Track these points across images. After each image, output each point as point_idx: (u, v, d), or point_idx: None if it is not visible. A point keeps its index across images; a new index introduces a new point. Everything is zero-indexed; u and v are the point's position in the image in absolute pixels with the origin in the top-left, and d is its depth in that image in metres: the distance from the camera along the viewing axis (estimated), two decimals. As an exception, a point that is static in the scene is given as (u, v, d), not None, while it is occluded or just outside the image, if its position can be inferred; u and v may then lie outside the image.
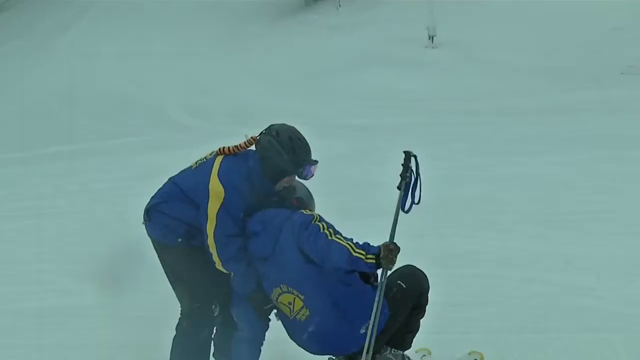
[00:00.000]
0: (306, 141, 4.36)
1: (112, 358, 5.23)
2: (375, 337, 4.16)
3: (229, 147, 4.39)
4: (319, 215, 4.24)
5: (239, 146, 4.37)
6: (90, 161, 12.86)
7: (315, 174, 4.38)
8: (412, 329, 4.45)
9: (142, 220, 4.54)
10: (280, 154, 4.27)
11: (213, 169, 4.31)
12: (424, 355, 4.81)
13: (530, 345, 4.95)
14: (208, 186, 4.25)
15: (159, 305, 5.84)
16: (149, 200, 4.54)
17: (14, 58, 21.96)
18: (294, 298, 4.24)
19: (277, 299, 4.30)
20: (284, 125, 4.39)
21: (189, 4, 23.94)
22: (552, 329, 5.30)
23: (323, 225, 4.14)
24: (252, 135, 4.42)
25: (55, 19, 23.88)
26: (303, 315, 4.25)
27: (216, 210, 4.20)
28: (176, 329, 4.58)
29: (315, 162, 4.36)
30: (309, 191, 4.52)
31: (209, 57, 21.24)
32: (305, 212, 4.28)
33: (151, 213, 4.46)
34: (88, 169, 12.08)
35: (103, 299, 5.91)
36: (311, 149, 4.37)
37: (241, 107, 17.82)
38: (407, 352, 4.53)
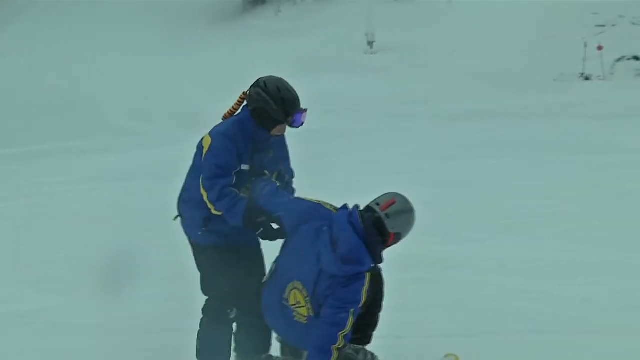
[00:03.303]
0: (294, 91, 4.44)
1: (49, 366, 5.16)
2: None
3: (227, 112, 4.54)
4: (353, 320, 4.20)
5: (233, 107, 4.53)
6: (27, 165, 12.62)
7: (305, 121, 4.44)
8: (370, 323, 4.49)
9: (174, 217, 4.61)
10: (269, 104, 4.35)
11: (207, 133, 4.47)
12: None
13: (463, 348, 5.00)
14: (203, 144, 4.40)
15: (96, 312, 5.82)
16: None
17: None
18: (305, 307, 4.26)
19: (289, 292, 4.30)
20: (271, 76, 4.48)
21: (128, 6, 23.66)
22: (486, 331, 5.38)
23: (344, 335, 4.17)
24: (244, 90, 4.52)
25: (-10, 19, 23.36)
26: (301, 318, 4.28)
27: (204, 159, 4.34)
28: (199, 323, 4.70)
29: (304, 110, 4.43)
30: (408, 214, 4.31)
31: (151, 60, 21.06)
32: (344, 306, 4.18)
33: (179, 206, 4.57)
34: (25, 173, 11.86)
35: (40, 305, 5.83)
36: (299, 98, 4.44)
37: (184, 111, 17.72)
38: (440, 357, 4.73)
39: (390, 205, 4.22)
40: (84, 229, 8.31)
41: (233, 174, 4.34)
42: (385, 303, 4.52)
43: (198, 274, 4.63)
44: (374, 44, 21.12)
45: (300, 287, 4.26)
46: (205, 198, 4.31)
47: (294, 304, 4.29)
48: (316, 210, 4.33)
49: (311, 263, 4.22)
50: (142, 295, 5.86)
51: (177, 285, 5.75)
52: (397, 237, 4.26)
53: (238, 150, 4.36)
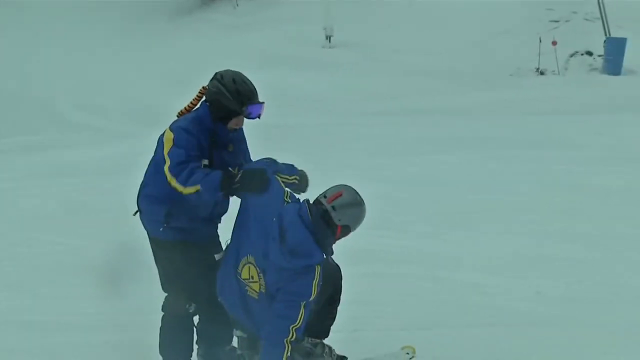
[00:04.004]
0: (251, 83, 4.47)
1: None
2: None
3: (184, 107, 4.56)
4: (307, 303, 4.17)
5: (192, 101, 4.55)
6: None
7: (263, 114, 4.44)
8: (328, 317, 4.50)
9: (134, 212, 4.57)
10: (224, 95, 4.39)
11: (167, 128, 4.48)
12: (407, 353, 4.86)
13: (419, 341, 5.06)
14: (163, 139, 4.40)
15: (43, 309, 5.75)
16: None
17: None
18: (258, 283, 4.22)
19: (242, 266, 4.27)
20: (228, 69, 4.52)
21: (85, 1, 23.34)
22: (442, 324, 5.46)
23: (293, 329, 4.14)
24: (203, 85, 4.54)
25: None
26: (253, 293, 4.25)
27: (168, 151, 4.33)
28: (161, 319, 4.72)
29: (260, 102, 4.44)
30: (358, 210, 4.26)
31: (108, 55, 20.82)
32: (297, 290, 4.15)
33: (139, 201, 4.54)
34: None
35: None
36: (257, 91, 4.45)
37: (139, 106, 17.55)
38: (398, 349, 4.76)
39: (336, 198, 4.18)
40: (36, 226, 8.20)
41: (200, 161, 4.35)
42: (342, 297, 4.53)
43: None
44: (332, 38, 21.14)
45: (254, 262, 4.23)
46: (174, 184, 4.26)
47: (247, 279, 4.26)
48: (279, 194, 4.31)
49: (263, 241, 4.19)
50: (90, 293, 5.79)
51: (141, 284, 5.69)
52: (346, 230, 4.21)
53: (199, 143, 4.36)
